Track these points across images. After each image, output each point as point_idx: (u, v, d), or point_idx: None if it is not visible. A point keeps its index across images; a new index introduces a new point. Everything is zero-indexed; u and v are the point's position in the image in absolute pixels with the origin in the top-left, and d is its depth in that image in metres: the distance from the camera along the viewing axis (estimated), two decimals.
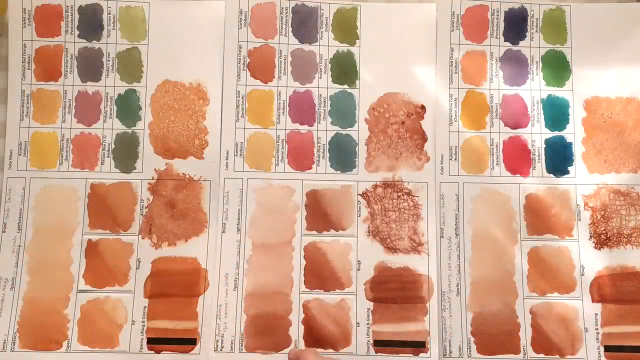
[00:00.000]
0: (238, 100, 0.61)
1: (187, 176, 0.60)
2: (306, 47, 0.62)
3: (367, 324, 0.58)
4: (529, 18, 0.62)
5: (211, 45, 0.62)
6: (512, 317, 0.58)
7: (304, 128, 0.61)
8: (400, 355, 0.57)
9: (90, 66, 0.61)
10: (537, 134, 0.61)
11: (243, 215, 0.59)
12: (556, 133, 0.61)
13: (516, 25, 0.62)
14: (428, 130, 0.61)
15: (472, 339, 0.58)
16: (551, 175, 0.60)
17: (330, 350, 0.57)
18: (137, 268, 0.58)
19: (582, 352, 0.57)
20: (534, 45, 0.62)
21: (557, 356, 0.57)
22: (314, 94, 0.61)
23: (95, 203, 0.59)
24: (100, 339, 0.57)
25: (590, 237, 0.59)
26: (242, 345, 0.57)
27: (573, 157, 0.61)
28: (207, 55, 0.61)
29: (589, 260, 0.59)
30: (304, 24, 0.62)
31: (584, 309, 0.58)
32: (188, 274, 0.58)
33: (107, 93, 0.61)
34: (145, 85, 0.61)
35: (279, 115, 0.61)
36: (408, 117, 0.61)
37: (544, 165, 0.61)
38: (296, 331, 0.57)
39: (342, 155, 0.61)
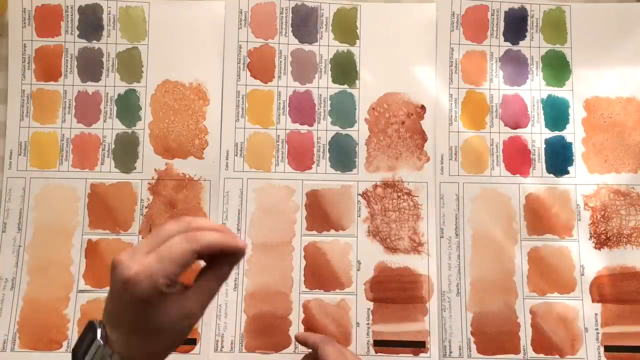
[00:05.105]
0: (238, 100, 0.61)
1: (187, 176, 0.60)
2: (306, 47, 0.62)
3: (367, 324, 0.58)
4: (529, 18, 0.62)
5: (211, 45, 0.62)
6: (512, 317, 0.58)
7: (304, 128, 0.61)
8: (400, 355, 0.57)
9: (90, 66, 0.61)
10: (537, 134, 0.61)
11: (243, 215, 0.59)
12: (556, 133, 0.61)
13: (516, 25, 0.62)
14: (428, 130, 0.61)
15: (472, 339, 0.58)
16: (551, 175, 0.60)
17: None
18: None
19: (582, 352, 0.57)
20: (534, 45, 0.62)
21: (557, 356, 0.57)
22: (314, 94, 0.61)
23: (95, 203, 0.59)
24: None
25: (590, 237, 0.59)
26: (242, 345, 0.57)
27: (573, 157, 0.61)
28: (207, 55, 0.61)
29: (589, 260, 0.59)
30: (304, 24, 0.62)
31: (584, 309, 0.58)
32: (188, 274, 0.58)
33: (107, 93, 0.61)
34: (145, 85, 0.61)
35: (279, 115, 0.61)
36: (408, 117, 0.61)
37: (544, 165, 0.60)
38: (296, 331, 0.57)
39: (342, 155, 0.61)
